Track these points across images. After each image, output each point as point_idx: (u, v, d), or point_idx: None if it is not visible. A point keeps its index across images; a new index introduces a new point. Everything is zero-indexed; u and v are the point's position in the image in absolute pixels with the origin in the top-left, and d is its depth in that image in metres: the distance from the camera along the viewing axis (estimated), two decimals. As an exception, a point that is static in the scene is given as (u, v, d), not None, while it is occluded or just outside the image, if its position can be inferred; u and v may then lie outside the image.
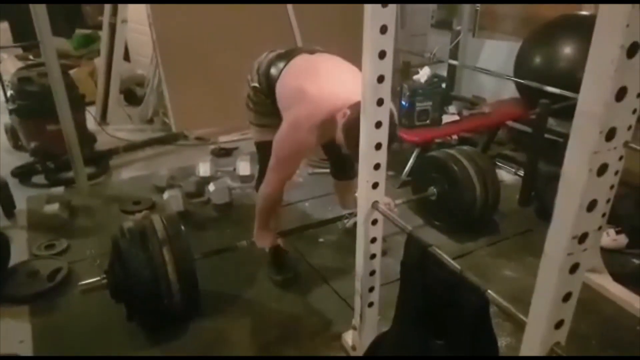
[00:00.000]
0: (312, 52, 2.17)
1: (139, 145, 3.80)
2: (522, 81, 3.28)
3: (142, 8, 4.44)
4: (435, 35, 4.83)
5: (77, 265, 2.48)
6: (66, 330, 2.09)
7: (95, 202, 3.10)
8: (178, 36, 3.94)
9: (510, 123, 3.69)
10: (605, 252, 2.44)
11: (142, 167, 3.62)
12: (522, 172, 3.19)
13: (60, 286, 2.33)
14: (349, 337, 2.00)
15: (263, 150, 2.31)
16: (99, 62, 4.53)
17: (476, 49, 4.24)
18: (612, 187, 2.21)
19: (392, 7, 1.39)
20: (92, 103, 4.32)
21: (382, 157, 1.60)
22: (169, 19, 3.92)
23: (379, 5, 1.37)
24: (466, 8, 4.14)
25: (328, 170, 2.77)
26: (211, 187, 2.96)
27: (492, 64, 3.97)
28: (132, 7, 4.26)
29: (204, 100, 4.04)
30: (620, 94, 0.85)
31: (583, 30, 3.18)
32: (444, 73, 4.02)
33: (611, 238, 2.54)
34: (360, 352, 1.88)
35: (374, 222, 1.69)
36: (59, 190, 3.09)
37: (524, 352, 1.12)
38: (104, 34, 4.20)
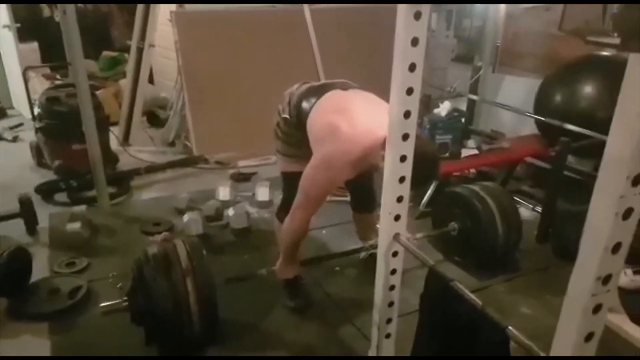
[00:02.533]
0: (345, 88, 2.20)
1: (160, 167, 3.88)
2: (542, 118, 3.31)
3: (169, 33, 4.59)
4: (455, 70, 4.90)
5: (97, 284, 2.51)
6: (84, 349, 2.12)
7: (116, 221, 3.16)
8: (203, 62, 4.07)
9: (529, 159, 3.70)
10: (623, 292, 2.42)
11: (162, 188, 3.68)
12: (540, 209, 3.19)
13: (79, 304, 2.36)
14: (364, 369, 2.00)
15: (288, 180, 2.34)
16: (124, 83, 4.66)
17: (496, 85, 4.29)
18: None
19: (422, 46, 1.44)
20: (115, 124, 4.44)
21: (405, 190, 1.63)
22: (195, 45, 4.05)
23: (408, 44, 1.41)
24: (487, 44, 4.20)
25: (346, 198, 2.80)
26: (230, 211, 3.00)
27: (511, 100, 4.01)
28: (159, 32, 4.40)
29: (225, 125, 4.14)
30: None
31: (604, 70, 3.23)
32: (464, 107, 4.07)
33: (629, 278, 2.52)
34: (376, 384, 1.88)
35: (395, 254, 1.71)
36: (81, 208, 3.15)
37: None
38: (131, 57, 4.34)
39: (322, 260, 2.64)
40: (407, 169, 1.60)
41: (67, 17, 2.79)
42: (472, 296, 1.39)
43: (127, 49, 5.38)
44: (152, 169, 3.83)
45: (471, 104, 4.19)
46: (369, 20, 4.58)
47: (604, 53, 3.54)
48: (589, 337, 1.04)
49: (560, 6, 3.85)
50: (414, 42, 1.42)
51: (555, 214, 2.97)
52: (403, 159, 1.57)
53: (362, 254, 2.71)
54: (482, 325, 1.35)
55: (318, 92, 2.16)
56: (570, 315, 1.03)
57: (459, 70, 4.73)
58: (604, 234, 0.94)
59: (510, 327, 1.27)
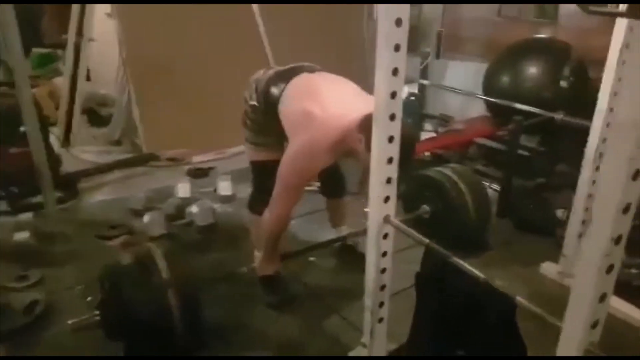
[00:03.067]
0: (312, 70, 2.17)
1: (110, 167, 3.68)
2: (493, 100, 3.43)
3: (108, 26, 4.35)
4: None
5: (55, 298, 2.32)
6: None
7: (67, 228, 2.95)
8: (148, 56, 3.89)
9: (479, 140, 3.84)
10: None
11: (113, 190, 3.50)
12: (496, 186, 3.31)
13: (38, 322, 2.16)
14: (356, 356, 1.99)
15: (259, 170, 2.29)
16: (60, 82, 4.38)
17: (441, 70, 4.40)
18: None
19: (406, 26, 1.43)
20: (53, 124, 4.16)
21: (393, 171, 1.63)
22: (140, 38, 3.86)
23: (393, 25, 1.41)
24: (432, 32, 4.31)
25: (314, 188, 2.77)
26: (194, 208, 2.90)
27: (456, 84, 4.13)
28: (96, 25, 4.16)
29: (175, 120, 3.98)
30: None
31: (544, 52, 3.41)
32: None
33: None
34: (370, 369, 1.88)
35: (385, 235, 1.71)
36: (27, 216, 2.94)
37: (560, 353, 1.15)
38: (68, 52, 4.07)
39: (294, 255, 2.58)
40: (394, 150, 1.60)
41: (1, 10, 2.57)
42: (474, 270, 1.41)
43: (59, 45, 5.09)
44: (100, 169, 3.62)
45: (422, 89, 4.28)
46: (317, 6, 4.55)
47: (542, 36, 3.73)
48: (603, 297, 1.08)
49: (499, -7, 4.01)
50: (398, 22, 1.42)
51: (512, 190, 3.10)
52: (391, 139, 1.57)
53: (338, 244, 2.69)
54: (487, 298, 1.37)
55: (286, 76, 2.12)
56: (585, 277, 1.06)
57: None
58: (616, 196, 0.97)
59: (519, 297, 1.31)
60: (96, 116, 4.65)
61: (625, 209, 0.99)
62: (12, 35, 2.62)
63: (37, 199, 3.09)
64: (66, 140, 4.10)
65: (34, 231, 2.79)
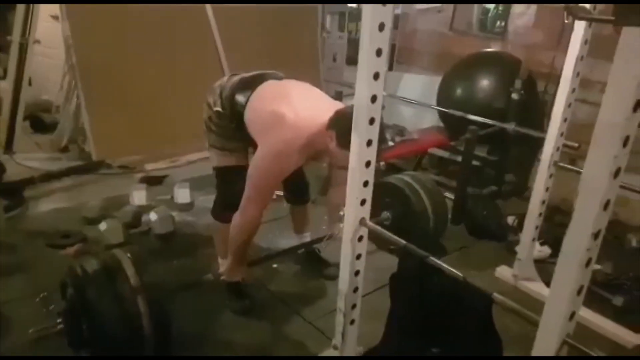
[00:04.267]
0: (278, 78, 2.19)
1: (58, 175, 3.50)
2: (447, 110, 3.56)
3: (53, 29, 4.17)
4: (349, 71, 5.14)
5: (7, 308, 2.20)
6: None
7: (15, 237, 2.78)
8: (99, 60, 3.74)
9: (432, 150, 3.96)
10: (536, 262, 2.69)
11: (62, 198, 3.33)
12: (449, 195, 3.43)
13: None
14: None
15: (224, 176, 2.26)
16: (3, 85, 4.13)
17: (394, 82, 4.53)
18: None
19: (387, 31, 1.47)
20: (-8, 131, 3.92)
21: (370, 175, 1.65)
22: (90, 42, 3.71)
23: (375, 29, 1.44)
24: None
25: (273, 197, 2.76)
26: (152, 216, 2.81)
27: (409, 96, 4.25)
28: (40, 29, 3.97)
29: (127, 127, 3.83)
30: (637, 106, 0.99)
31: (495, 65, 3.59)
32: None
33: (537, 250, 2.81)
34: (341, 372, 1.88)
35: (360, 238, 1.73)
36: (-31, 226, 2.75)
37: (538, 344, 1.21)
38: (12, 54, 3.84)
39: (258, 262, 2.56)
40: (372, 154, 1.62)
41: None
42: (452, 269, 1.46)
43: (-2, 47, 4.81)
44: (47, 177, 3.44)
45: (376, 100, 4.36)
46: (273, 13, 4.56)
47: (491, 50, 3.93)
48: (580, 290, 1.15)
49: (451, 7, 4.19)
50: (381, 27, 1.45)
51: (466, 198, 3.22)
52: (369, 143, 1.60)
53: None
54: (464, 295, 1.42)
55: (252, 84, 2.12)
56: (565, 272, 1.12)
57: (351, 71, 4.97)
58: (599, 192, 1.04)
59: (495, 294, 1.36)
60: (40, 123, 4.43)
61: (606, 205, 1.06)
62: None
63: (-21, 207, 2.91)
64: (8, 147, 3.86)
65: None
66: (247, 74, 2.21)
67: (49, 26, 4.18)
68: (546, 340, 1.19)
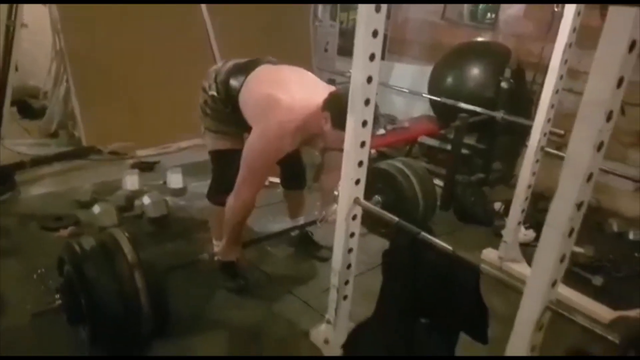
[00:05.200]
0: (274, 63, 2.22)
1: (49, 160, 3.50)
2: (438, 99, 3.62)
3: (40, 14, 4.13)
4: (339, 62, 5.18)
5: (3, 287, 2.21)
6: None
7: (8, 220, 2.78)
8: (89, 45, 3.74)
9: (421, 139, 4.03)
10: (521, 246, 2.77)
11: (54, 182, 3.34)
12: (438, 181, 3.50)
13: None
14: (318, 333, 2.05)
15: (219, 159, 2.29)
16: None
17: (386, 72, 4.57)
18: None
19: (384, 13, 1.52)
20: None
21: (365, 155, 1.71)
22: (80, 26, 3.70)
23: (373, 11, 1.49)
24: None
25: (266, 183, 2.80)
26: (146, 199, 2.83)
27: (400, 85, 4.31)
28: (27, 14, 3.93)
29: (117, 113, 3.85)
30: (620, 82, 1.05)
31: (485, 55, 3.65)
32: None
33: (523, 233, 2.89)
34: (334, 346, 1.94)
35: (354, 217, 1.79)
36: (-38, 209, 2.75)
37: (523, 310, 1.28)
38: None
39: (253, 243, 2.61)
40: (367, 134, 1.68)
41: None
42: (442, 243, 1.52)
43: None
44: (38, 162, 3.43)
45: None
46: (265, 5, 4.58)
47: (480, 39, 3.99)
48: (563, 258, 1.21)
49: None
50: (378, 9, 1.50)
51: (455, 184, 3.30)
52: (364, 124, 1.65)
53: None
54: (453, 268, 1.48)
55: (246, 69, 2.15)
56: (549, 241, 1.19)
57: (343, 61, 5.01)
58: (583, 165, 1.10)
59: (482, 265, 1.43)
60: (28, 108, 4.40)
61: (589, 178, 1.13)
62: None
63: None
64: (-4, 132, 3.84)
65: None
66: (241, 60, 2.24)
67: (35, 11, 4.14)
68: (530, 305, 1.26)
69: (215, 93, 2.16)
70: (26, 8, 3.85)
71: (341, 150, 1.70)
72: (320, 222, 2.36)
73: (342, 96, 1.76)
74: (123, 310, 1.74)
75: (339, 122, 1.76)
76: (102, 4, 3.71)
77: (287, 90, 2.00)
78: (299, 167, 2.58)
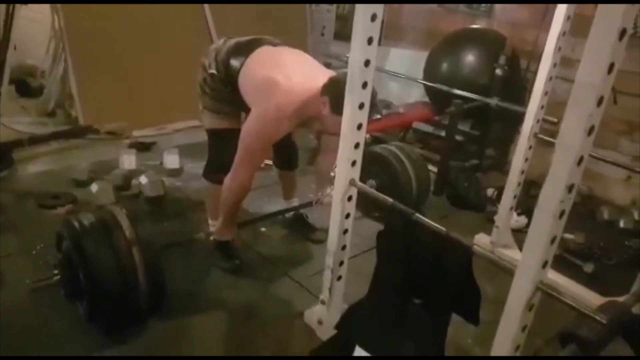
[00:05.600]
0: (274, 44, 2.22)
1: (46, 138, 3.50)
2: (433, 85, 3.64)
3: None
4: (335, 46, 5.18)
5: (1, 263, 2.24)
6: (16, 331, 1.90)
7: (6, 197, 2.81)
8: (88, 25, 3.73)
9: (415, 125, 4.06)
10: (513, 231, 2.82)
11: (51, 161, 3.35)
12: (431, 167, 3.53)
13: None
14: (312, 314, 2.08)
15: (216, 138, 2.31)
16: (-15, 48, 4.08)
17: (382, 57, 4.58)
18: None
19: (382, -2, 1.54)
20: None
21: (361, 137, 1.74)
22: (79, 6, 3.69)
23: (370, -5, 1.51)
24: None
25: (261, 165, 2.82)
26: (143, 179, 2.86)
27: (396, 70, 4.32)
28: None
29: (115, 93, 3.86)
30: (611, 68, 1.08)
31: (481, 41, 3.66)
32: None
33: (515, 219, 2.94)
34: (328, 326, 1.98)
35: (349, 198, 1.82)
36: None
37: (514, 290, 1.31)
38: (-3, 16, 3.80)
39: (247, 224, 2.64)
40: (364, 117, 1.71)
41: None
42: (436, 224, 1.56)
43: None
44: (36, 140, 3.43)
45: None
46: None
47: (476, 26, 4.01)
48: (553, 240, 1.25)
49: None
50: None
51: (449, 170, 3.34)
52: (361, 106, 1.68)
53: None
54: (446, 249, 1.52)
55: (247, 49, 2.16)
56: (540, 223, 1.22)
57: (339, 46, 5.01)
58: (574, 148, 1.13)
59: (475, 245, 1.47)
60: (26, 87, 4.39)
61: (579, 161, 1.16)
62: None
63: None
64: (-6, 111, 3.84)
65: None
66: (243, 38, 2.23)
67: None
68: (521, 285, 1.29)
69: (215, 71, 2.17)
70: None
71: (338, 134, 1.73)
72: (316, 204, 2.38)
73: (341, 82, 1.78)
74: (120, 285, 1.78)
75: (338, 107, 1.79)
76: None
77: (286, 73, 2.02)
78: (292, 149, 2.61)
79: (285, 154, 2.62)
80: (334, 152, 1.78)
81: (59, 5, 3.65)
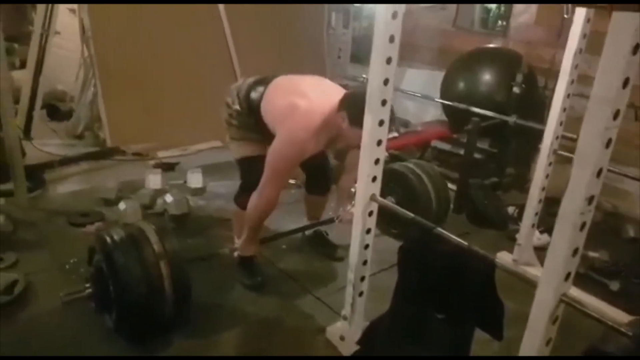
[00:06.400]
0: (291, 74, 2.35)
1: (76, 159, 3.65)
2: (450, 103, 3.68)
3: (68, 22, 4.31)
4: (352, 69, 5.28)
5: (33, 279, 2.32)
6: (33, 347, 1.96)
7: (38, 215, 2.92)
8: (116, 53, 3.90)
9: (434, 143, 4.09)
10: (535, 249, 2.81)
11: (80, 181, 3.47)
12: (451, 186, 3.54)
13: (19, 300, 2.18)
14: (334, 330, 2.10)
15: (246, 165, 2.38)
16: (19, 75, 4.29)
17: (398, 77, 4.64)
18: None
19: (400, 20, 1.60)
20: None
21: (381, 153, 1.78)
22: (107, 34, 3.86)
23: (389, 18, 1.57)
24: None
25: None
26: (168, 197, 2.93)
27: (413, 90, 4.37)
28: (59, 20, 4.11)
29: (140, 116, 4.00)
30: (626, 83, 1.11)
31: (498, 60, 3.70)
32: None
33: (537, 237, 2.92)
34: (349, 342, 1.99)
35: (370, 213, 1.86)
36: (-3, 202, 2.88)
37: (537, 303, 1.32)
38: (33, 44, 4.00)
39: (269, 240, 2.68)
40: (383, 133, 1.75)
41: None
42: (457, 238, 1.58)
43: (15, 38, 4.95)
44: (66, 161, 3.57)
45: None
46: (282, 10, 4.70)
47: (492, 46, 4.05)
48: (575, 252, 1.27)
49: (454, 5, 4.31)
50: (394, 15, 1.58)
51: (469, 187, 3.34)
52: (381, 123, 1.72)
53: (309, 231, 2.80)
54: (468, 262, 1.54)
55: (264, 81, 2.30)
56: (561, 234, 1.24)
57: (355, 69, 5.10)
58: (592, 161, 1.16)
59: (497, 258, 1.48)
60: (56, 111, 4.57)
61: (599, 173, 1.18)
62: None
63: (6, 186, 3.02)
64: (26, 133, 4.00)
65: (8, 216, 2.76)
66: (260, 76, 2.36)
67: (64, 19, 4.31)
68: (545, 298, 1.30)
69: (238, 107, 2.30)
70: (58, 17, 4.04)
71: (359, 147, 1.78)
72: (337, 221, 2.42)
73: (356, 95, 1.85)
74: (148, 295, 1.85)
75: (356, 120, 1.85)
76: (130, 3, 3.86)
77: (305, 96, 2.12)
78: (325, 172, 2.63)
79: (316, 176, 2.63)
80: (356, 171, 1.83)
81: (90, 34, 3.81)
